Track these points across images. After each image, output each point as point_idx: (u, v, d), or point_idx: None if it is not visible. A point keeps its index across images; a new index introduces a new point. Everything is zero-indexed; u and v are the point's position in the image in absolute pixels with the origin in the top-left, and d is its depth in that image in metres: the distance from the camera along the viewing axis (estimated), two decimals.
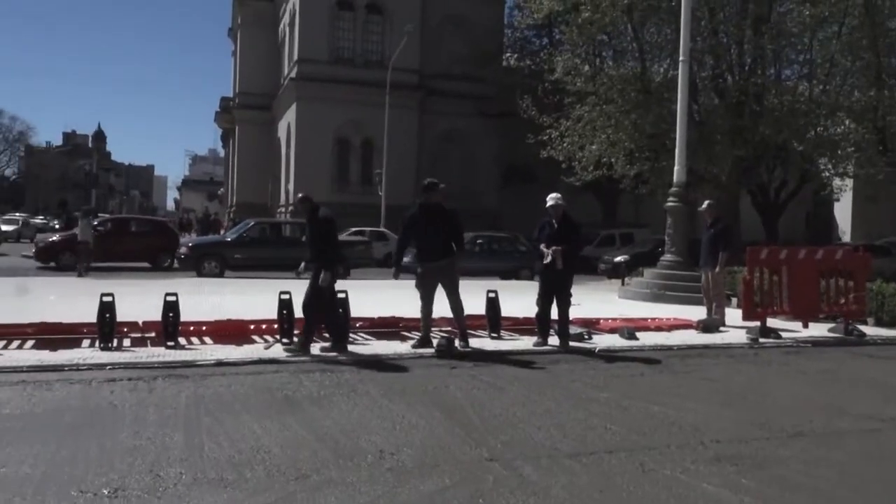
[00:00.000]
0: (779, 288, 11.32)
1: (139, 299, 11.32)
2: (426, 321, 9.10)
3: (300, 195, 9.22)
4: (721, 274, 11.96)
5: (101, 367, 7.40)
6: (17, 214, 56.66)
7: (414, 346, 8.89)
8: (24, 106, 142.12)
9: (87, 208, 25.24)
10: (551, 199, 9.47)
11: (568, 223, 9.43)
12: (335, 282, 8.54)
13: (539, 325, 9.55)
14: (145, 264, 22.86)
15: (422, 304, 9.09)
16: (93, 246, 19.80)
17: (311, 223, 8.82)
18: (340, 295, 9.29)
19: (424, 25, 41.79)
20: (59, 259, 22.05)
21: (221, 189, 77.77)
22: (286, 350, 8.34)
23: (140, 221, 28.89)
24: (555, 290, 9.35)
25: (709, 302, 12.15)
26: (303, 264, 8.79)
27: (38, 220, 57.13)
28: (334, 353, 8.33)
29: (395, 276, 9.61)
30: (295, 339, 8.74)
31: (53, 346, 8.24)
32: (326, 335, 8.77)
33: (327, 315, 8.55)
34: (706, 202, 12.52)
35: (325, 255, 8.52)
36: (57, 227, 45.59)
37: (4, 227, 39.94)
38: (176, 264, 23.05)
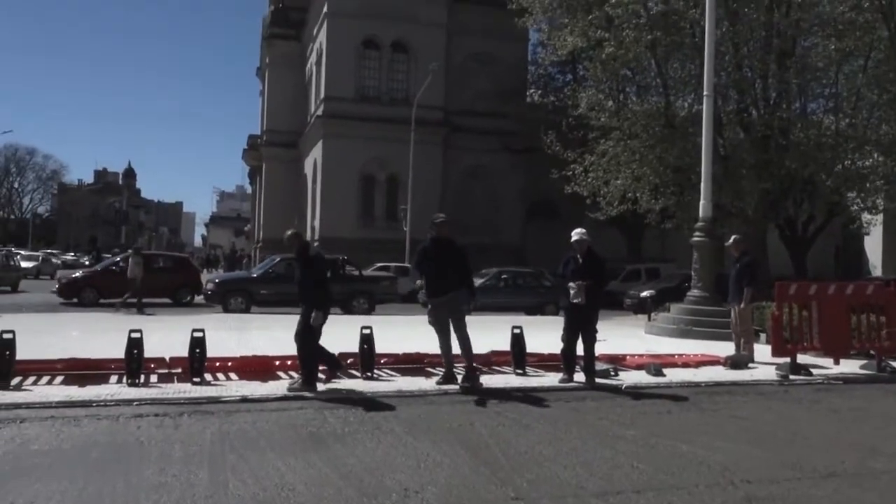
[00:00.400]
0: (809, 323, 11.15)
1: (165, 335, 11.44)
2: (447, 357, 9.04)
3: (291, 231, 8.95)
4: (748, 309, 11.81)
5: (128, 402, 7.46)
6: (48, 251, 57.50)
7: (438, 383, 8.84)
8: (57, 145, 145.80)
9: (136, 246, 25.89)
10: (576, 234, 9.44)
11: (592, 258, 9.39)
12: (325, 321, 8.42)
13: (565, 362, 9.48)
14: (166, 300, 23.04)
15: (439, 339, 9.02)
16: (139, 284, 20.08)
17: (300, 261, 8.58)
18: (365, 331, 9.33)
19: (449, 63, 42.32)
20: (81, 295, 22.41)
21: (248, 225, 78.59)
22: (289, 389, 8.20)
23: (161, 257, 29.13)
24: (580, 325, 9.29)
25: (737, 338, 11.99)
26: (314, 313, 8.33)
27: (69, 256, 58.07)
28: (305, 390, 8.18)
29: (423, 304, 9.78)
30: (321, 376, 8.78)
31: (82, 381, 8.32)
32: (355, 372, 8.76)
33: (317, 351, 8.45)
34: (733, 237, 12.43)
35: (315, 294, 8.36)
36: (87, 263, 46.14)
37: (24, 264, 39.23)
38: (197, 299, 23.31)
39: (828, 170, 20.20)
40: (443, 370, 9.13)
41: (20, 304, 21.53)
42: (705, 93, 16.18)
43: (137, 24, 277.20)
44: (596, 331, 9.40)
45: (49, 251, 58.73)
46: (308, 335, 8.32)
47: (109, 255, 40.16)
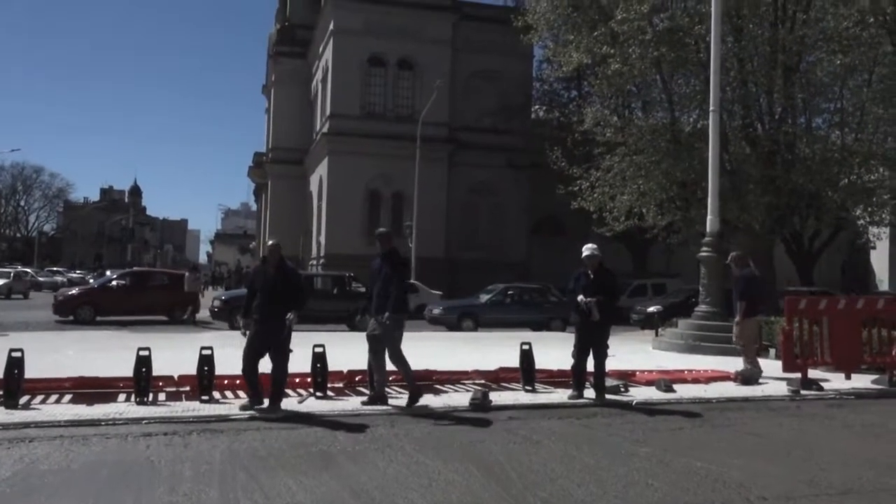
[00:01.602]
0: (819, 338, 11.09)
1: (173, 353, 11.39)
2: (409, 376, 8.77)
3: (274, 242, 8.72)
4: (743, 324, 11.80)
5: (137, 421, 7.43)
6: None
7: (363, 402, 8.58)
8: (63, 163, 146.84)
9: (193, 264, 27.16)
10: (587, 249, 9.40)
11: (604, 274, 9.36)
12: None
13: (574, 378, 9.42)
14: (162, 318, 23.00)
15: (377, 357, 8.72)
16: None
17: (280, 271, 8.30)
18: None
19: (454, 80, 42.42)
20: (77, 312, 22.34)
21: (253, 242, 78.67)
22: (257, 411, 7.98)
23: (157, 275, 29.07)
24: (591, 342, 9.24)
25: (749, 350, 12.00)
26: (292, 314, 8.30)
27: (75, 274, 58.09)
28: (253, 412, 7.92)
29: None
30: (329, 393, 8.79)
31: (90, 400, 8.29)
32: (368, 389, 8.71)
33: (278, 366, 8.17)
34: (732, 253, 12.60)
35: (296, 306, 8.26)
36: (91, 281, 46.02)
37: None
38: (196, 316, 23.37)
39: (834, 184, 20.15)
40: (452, 387, 9.07)
41: (27, 322, 21.53)
42: (711, 108, 16.18)
43: (143, 43, 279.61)
44: (607, 347, 9.35)
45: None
46: (286, 347, 8.19)
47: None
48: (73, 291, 25.25)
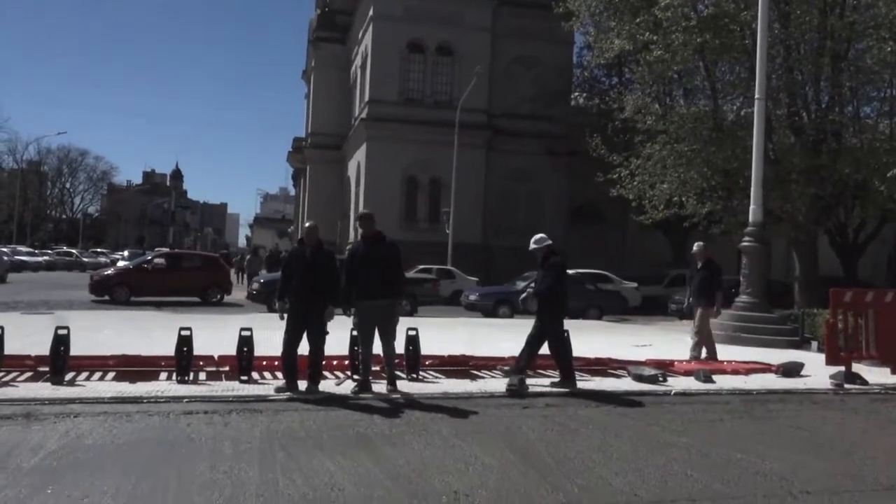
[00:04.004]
0: (864, 332, 10.86)
1: (212, 333, 11.56)
2: (366, 363, 8.47)
3: (311, 223, 8.65)
4: (708, 312, 12.15)
5: (178, 399, 7.54)
6: (97, 250, 57.95)
7: (353, 392, 8.24)
8: (108, 146, 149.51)
9: (255, 246, 29.43)
10: (532, 242, 9.41)
11: (547, 266, 9.25)
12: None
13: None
14: (195, 299, 23.27)
15: (361, 346, 8.53)
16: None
17: (317, 255, 8.30)
18: (411, 332, 9.33)
19: (493, 66, 42.19)
20: (112, 293, 22.61)
21: (291, 227, 79.38)
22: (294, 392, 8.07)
23: (191, 256, 29.41)
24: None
25: (707, 340, 12.21)
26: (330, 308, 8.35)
27: (118, 255, 59.18)
28: (289, 393, 8.01)
29: (346, 313, 8.58)
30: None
31: (132, 378, 8.44)
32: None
33: (315, 350, 8.27)
34: (697, 244, 12.70)
35: (332, 290, 8.28)
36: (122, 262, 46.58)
37: None
38: (227, 298, 23.80)
39: (881, 175, 19.65)
40: (488, 373, 9.05)
41: (71, 301, 21.99)
42: (757, 96, 15.88)
43: (186, 28, 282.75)
44: (560, 334, 9.13)
45: (91, 249, 59.17)
46: (321, 334, 8.26)
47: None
48: (109, 272, 25.60)
